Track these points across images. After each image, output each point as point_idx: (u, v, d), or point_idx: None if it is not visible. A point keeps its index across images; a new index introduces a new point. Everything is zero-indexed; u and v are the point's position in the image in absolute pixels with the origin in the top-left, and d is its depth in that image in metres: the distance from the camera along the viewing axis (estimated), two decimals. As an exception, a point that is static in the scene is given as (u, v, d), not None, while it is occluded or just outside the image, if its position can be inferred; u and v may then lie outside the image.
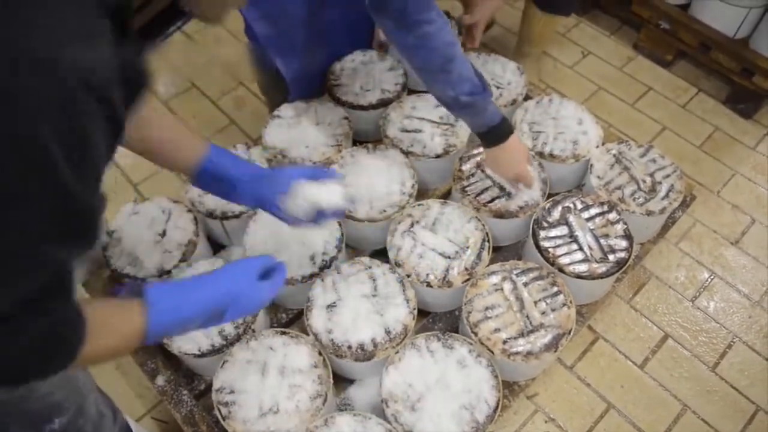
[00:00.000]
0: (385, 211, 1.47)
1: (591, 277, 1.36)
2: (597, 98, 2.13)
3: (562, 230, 1.42)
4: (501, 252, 1.58)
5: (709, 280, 1.69)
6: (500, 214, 1.46)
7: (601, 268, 1.36)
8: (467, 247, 1.40)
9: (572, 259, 1.37)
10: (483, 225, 1.44)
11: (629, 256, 1.38)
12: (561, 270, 1.36)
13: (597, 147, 1.59)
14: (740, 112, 2.07)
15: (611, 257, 1.37)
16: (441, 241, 1.41)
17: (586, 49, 2.29)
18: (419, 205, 1.48)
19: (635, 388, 1.50)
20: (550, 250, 1.39)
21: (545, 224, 1.43)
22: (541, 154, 1.57)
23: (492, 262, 1.40)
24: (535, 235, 1.42)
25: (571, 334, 1.28)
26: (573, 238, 1.40)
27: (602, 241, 1.39)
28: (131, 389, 1.53)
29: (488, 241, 1.41)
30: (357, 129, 1.73)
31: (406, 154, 1.58)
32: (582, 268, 1.36)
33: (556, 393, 1.49)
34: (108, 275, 1.49)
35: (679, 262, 1.72)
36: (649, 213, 1.47)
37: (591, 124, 1.63)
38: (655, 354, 1.55)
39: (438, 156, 1.58)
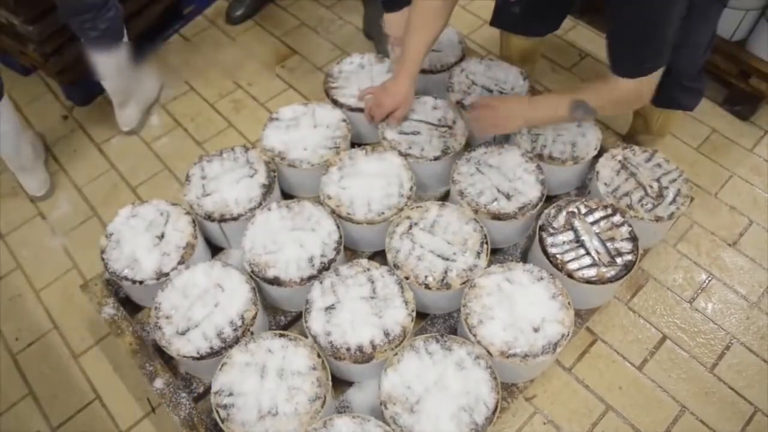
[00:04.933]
0: (383, 213, 1.47)
1: (600, 281, 1.36)
2: (594, 100, 2.13)
3: (569, 235, 1.42)
4: (500, 254, 1.59)
5: (707, 281, 1.69)
6: (498, 216, 1.46)
7: (610, 272, 1.36)
8: (466, 249, 1.40)
9: (580, 264, 1.37)
10: (481, 227, 1.44)
11: (636, 259, 1.38)
12: (570, 276, 1.36)
13: (595, 149, 1.59)
14: (737, 114, 2.07)
15: (619, 260, 1.37)
16: (439, 243, 1.41)
17: (583, 50, 2.29)
18: (418, 207, 1.48)
19: (633, 389, 1.50)
20: (558, 256, 1.39)
21: (551, 230, 1.43)
22: (540, 157, 1.57)
23: (490, 264, 1.40)
24: (542, 242, 1.41)
25: (570, 335, 1.28)
26: (580, 243, 1.40)
27: (609, 244, 1.39)
28: (130, 392, 1.53)
29: (486, 242, 1.41)
30: (355, 131, 1.73)
31: (405, 156, 1.58)
32: (591, 273, 1.36)
33: (554, 395, 1.49)
34: (106, 278, 1.49)
35: (677, 263, 1.72)
36: (658, 219, 1.47)
37: (589, 126, 1.63)
38: (654, 355, 1.55)
39: (436, 158, 1.58)
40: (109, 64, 1.85)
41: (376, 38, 2.28)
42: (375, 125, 1.66)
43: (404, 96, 1.57)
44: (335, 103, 1.71)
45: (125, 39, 1.86)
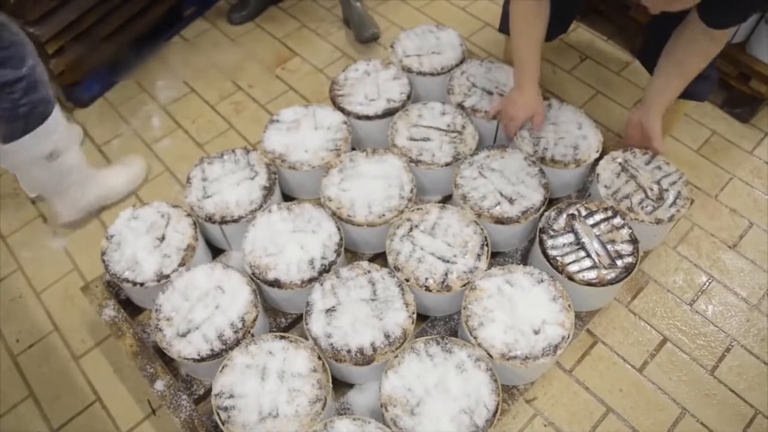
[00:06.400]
0: (384, 215, 1.47)
1: (600, 283, 1.36)
2: (595, 102, 2.13)
3: (569, 238, 1.42)
4: (500, 256, 1.59)
5: (707, 283, 1.69)
6: (501, 220, 1.46)
7: (610, 275, 1.36)
8: (466, 252, 1.40)
9: (581, 266, 1.37)
10: (482, 229, 1.44)
11: (636, 261, 1.38)
12: (570, 278, 1.36)
13: (597, 151, 1.59)
14: (737, 116, 2.08)
15: (619, 263, 1.37)
16: (440, 245, 1.41)
17: (584, 53, 2.29)
18: (418, 209, 1.48)
19: (634, 391, 1.50)
20: (558, 258, 1.39)
21: (551, 232, 1.43)
22: (542, 160, 1.57)
23: (491, 266, 1.40)
24: (542, 244, 1.42)
25: (570, 338, 1.28)
26: (580, 245, 1.40)
27: (609, 247, 1.39)
28: (130, 394, 1.53)
29: (487, 245, 1.41)
30: (362, 139, 1.73)
31: (416, 163, 1.58)
32: (591, 275, 1.36)
33: (554, 397, 1.49)
34: (107, 280, 1.49)
35: (677, 265, 1.72)
36: (658, 221, 1.47)
37: (590, 128, 1.63)
38: (654, 357, 1.55)
39: (447, 164, 1.58)
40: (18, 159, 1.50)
41: (354, 26, 2.30)
42: (512, 138, 1.64)
43: (534, 103, 1.56)
44: (342, 111, 1.71)
45: (56, 119, 1.50)
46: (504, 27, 1.84)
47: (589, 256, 1.38)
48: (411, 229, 1.44)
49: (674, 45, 1.44)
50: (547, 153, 1.58)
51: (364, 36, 2.27)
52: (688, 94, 1.65)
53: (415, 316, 1.32)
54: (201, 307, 1.33)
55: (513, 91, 1.60)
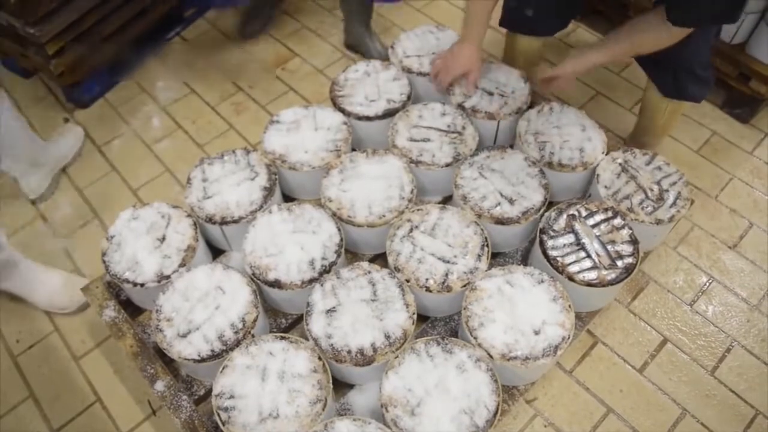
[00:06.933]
0: (384, 215, 1.47)
1: (601, 284, 1.36)
2: (595, 103, 2.13)
3: (569, 238, 1.42)
4: (501, 257, 1.59)
5: (708, 284, 1.69)
6: (501, 221, 1.46)
7: (611, 275, 1.36)
8: (466, 252, 1.40)
9: (581, 267, 1.37)
10: (482, 229, 1.44)
11: (636, 261, 1.38)
12: (570, 278, 1.36)
13: (603, 153, 1.58)
14: (737, 117, 2.08)
15: (619, 263, 1.37)
16: (440, 245, 1.41)
17: (583, 54, 2.29)
18: (418, 209, 1.48)
19: (634, 392, 1.50)
20: (558, 259, 1.39)
21: (552, 233, 1.43)
22: (550, 165, 1.57)
23: (491, 266, 1.40)
24: (542, 244, 1.42)
25: (570, 338, 1.28)
26: (580, 245, 1.40)
27: (609, 247, 1.39)
28: (131, 395, 1.53)
29: (487, 245, 1.41)
30: (363, 139, 1.73)
31: (416, 163, 1.58)
32: (591, 275, 1.36)
33: (555, 397, 1.49)
34: (107, 280, 1.49)
35: (678, 266, 1.72)
36: (658, 222, 1.47)
37: (594, 130, 1.62)
38: (654, 358, 1.55)
39: (447, 165, 1.58)
40: None
41: (362, 47, 2.27)
42: (442, 91, 1.65)
43: (473, 58, 1.53)
44: (343, 111, 1.71)
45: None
46: (504, 21, 1.84)
47: (589, 256, 1.38)
48: (411, 230, 1.44)
49: (634, 22, 1.44)
50: (553, 157, 1.57)
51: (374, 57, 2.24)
52: (684, 95, 1.65)
53: (415, 316, 1.32)
54: (201, 307, 1.33)
55: (454, 45, 1.64)
